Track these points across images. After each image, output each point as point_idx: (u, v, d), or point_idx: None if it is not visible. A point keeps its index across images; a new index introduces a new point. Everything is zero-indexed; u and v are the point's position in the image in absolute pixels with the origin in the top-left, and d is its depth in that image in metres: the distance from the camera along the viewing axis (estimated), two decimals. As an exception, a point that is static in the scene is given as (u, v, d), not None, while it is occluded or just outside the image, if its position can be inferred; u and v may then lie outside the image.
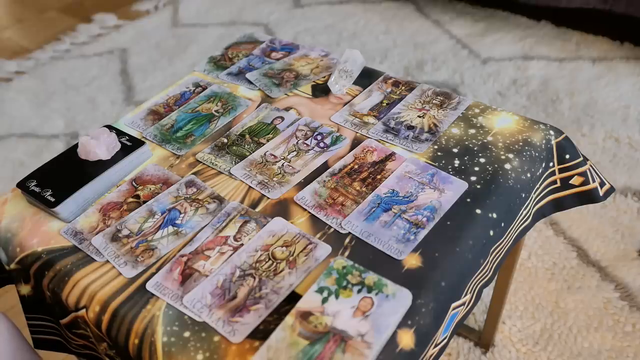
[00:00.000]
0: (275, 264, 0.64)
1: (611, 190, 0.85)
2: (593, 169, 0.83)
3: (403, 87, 0.89)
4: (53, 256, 0.68)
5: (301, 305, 0.59)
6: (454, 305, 0.64)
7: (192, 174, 0.77)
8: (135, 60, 2.12)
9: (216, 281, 0.63)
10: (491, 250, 0.70)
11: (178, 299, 0.62)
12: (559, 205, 0.82)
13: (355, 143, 0.80)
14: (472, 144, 0.78)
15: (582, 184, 0.81)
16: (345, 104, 0.87)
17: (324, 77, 0.93)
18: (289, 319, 0.58)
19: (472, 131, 0.80)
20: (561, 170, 0.80)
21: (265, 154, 0.79)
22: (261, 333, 0.58)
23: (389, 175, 0.74)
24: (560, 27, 2.06)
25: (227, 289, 0.62)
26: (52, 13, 2.51)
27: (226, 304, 0.61)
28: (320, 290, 0.60)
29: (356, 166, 0.76)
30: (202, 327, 0.59)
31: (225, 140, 0.82)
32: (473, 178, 0.73)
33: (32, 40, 2.32)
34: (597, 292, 1.21)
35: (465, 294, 0.67)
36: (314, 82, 0.92)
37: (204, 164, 0.79)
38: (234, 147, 0.80)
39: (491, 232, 0.69)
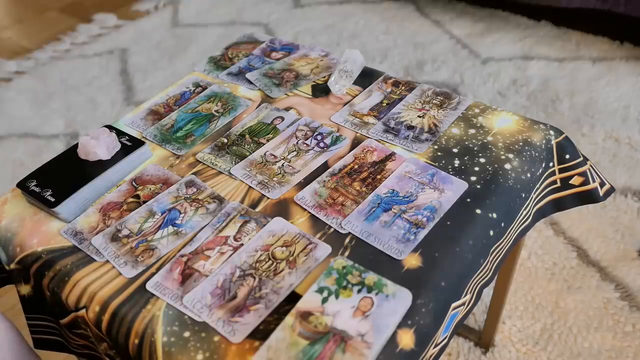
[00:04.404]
0: (275, 264, 0.64)
1: (611, 190, 0.85)
2: (593, 169, 0.83)
3: (403, 87, 0.89)
4: (53, 256, 0.68)
5: (301, 305, 0.59)
6: (454, 305, 0.64)
7: (192, 174, 0.77)
8: (135, 60, 2.12)
9: (216, 281, 0.63)
10: (491, 250, 0.70)
11: (178, 299, 0.62)
12: (559, 205, 0.82)
13: (355, 143, 0.80)
14: (472, 144, 0.78)
15: (582, 184, 0.81)
16: (345, 104, 0.87)
17: (324, 77, 0.93)
18: (289, 319, 0.58)
19: (472, 131, 0.80)
20: (561, 170, 0.80)
21: (265, 154, 0.79)
22: (261, 333, 0.58)
23: (389, 175, 0.74)
24: (560, 27, 2.06)
25: (227, 289, 0.62)
26: (52, 13, 2.51)
27: (226, 304, 0.61)
28: (320, 290, 0.60)
29: (356, 166, 0.76)
30: (202, 327, 0.59)
31: (225, 140, 0.82)
32: (473, 178, 0.73)
33: (32, 40, 2.32)
34: (597, 292, 1.21)
35: (465, 294, 0.67)
36: (314, 82, 0.92)
37: (204, 164, 0.79)
38: (234, 147, 0.80)
39: (491, 232, 0.69)
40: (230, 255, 0.66)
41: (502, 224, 0.71)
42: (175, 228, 0.70)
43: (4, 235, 0.72)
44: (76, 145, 0.78)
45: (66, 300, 0.66)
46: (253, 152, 0.79)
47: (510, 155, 0.76)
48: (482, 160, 0.75)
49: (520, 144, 0.78)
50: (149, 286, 0.64)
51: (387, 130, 0.81)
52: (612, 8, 1.88)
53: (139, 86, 1.98)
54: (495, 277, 0.85)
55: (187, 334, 0.59)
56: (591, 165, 0.82)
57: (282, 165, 0.77)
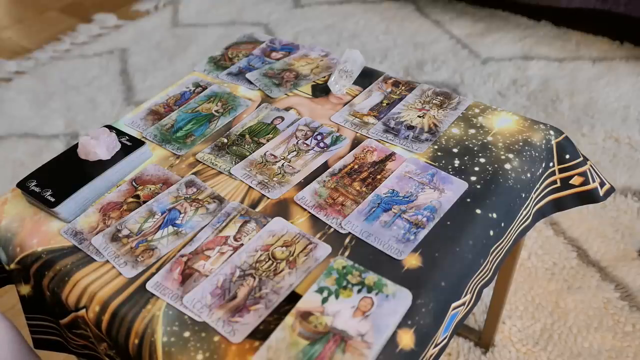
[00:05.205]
0: (275, 264, 0.64)
1: (611, 190, 0.85)
2: (593, 169, 0.83)
3: (403, 87, 0.89)
4: (53, 256, 0.68)
5: (301, 305, 0.59)
6: (454, 305, 0.64)
7: (192, 174, 0.77)
8: (135, 60, 2.12)
9: (216, 281, 0.63)
10: (491, 250, 0.70)
11: (178, 299, 0.62)
12: (559, 205, 0.82)
13: (355, 143, 0.80)
14: (472, 144, 0.78)
15: (582, 184, 0.81)
16: (345, 104, 0.87)
17: (324, 77, 0.93)
18: (289, 319, 0.58)
19: (472, 131, 0.80)
20: (561, 170, 0.80)
21: (265, 154, 0.79)
22: (261, 333, 0.58)
23: (389, 175, 0.74)
24: (560, 27, 2.06)
25: (227, 289, 0.62)
26: (52, 13, 2.51)
27: (226, 304, 0.61)
28: (320, 290, 0.60)
29: (356, 166, 0.76)
30: (202, 327, 0.59)
31: (225, 140, 0.82)
32: (473, 178, 0.73)
33: (32, 40, 2.32)
34: (597, 292, 1.21)
35: (465, 294, 0.67)
36: (314, 82, 0.92)
37: (204, 164, 0.79)
38: (234, 147, 0.80)
39: (491, 232, 0.69)
40: (230, 255, 0.66)
41: (502, 224, 0.71)
42: (175, 228, 0.70)
43: (4, 235, 0.72)
44: (76, 145, 0.78)
45: (66, 300, 0.66)
46: (253, 152, 0.79)
47: (510, 155, 0.76)
48: (482, 160, 0.75)
49: (520, 144, 0.78)
50: (149, 286, 0.64)
51: (387, 130, 0.81)
52: (612, 8, 1.88)
53: (139, 86, 1.98)
54: (495, 277, 0.85)
55: (187, 334, 0.59)
56: (591, 165, 0.82)
57: (282, 165, 0.77)
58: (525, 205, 0.76)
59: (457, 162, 0.75)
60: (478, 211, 0.69)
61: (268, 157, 0.78)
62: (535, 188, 0.77)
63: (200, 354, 0.57)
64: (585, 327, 1.15)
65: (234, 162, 0.78)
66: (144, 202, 0.73)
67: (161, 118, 0.87)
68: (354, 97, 0.88)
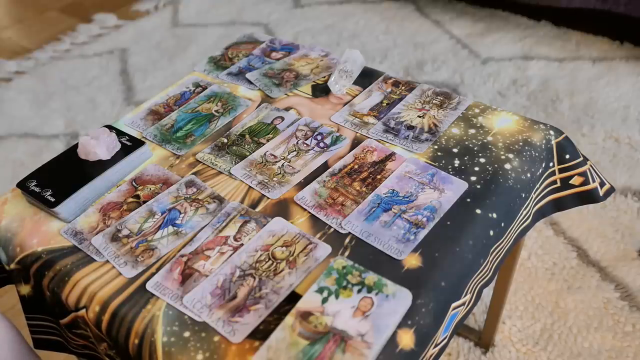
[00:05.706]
0: (275, 264, 0.64)
1: (611, 190, 0.85)
2: (593, 169, 0.83)
3: (403, 87, 0.89)
4: (53, 256, 0.68)
5: (301, 305, 0.59)
6: (454, 305, 0.64)
7: (192, 174, 0.77)
8: (135, 60, 2.12)
9: (216, 281, 0.63)
10: (491, 250, 0.70)
11: (178, 299, 0.62)
12: (559, 205, 0.82)
13: (355, 143, 0.80)
14: (472, 144, 0.78)
15: (582, 184, 0.81)
16: (345, 104, 0.87)
17: (324, 77, 0.93)
18: (289, 319, 0.58)
19: (472, 131, 0.80)
20: (561, 170, 0.80)
21: (265, 154, 0.79)
22: (261, 333, 0.58)
23: (389, 175, 0.74)
24: (560, 27, 2.06)
25: (227, 289, 0.62)
26: (52, 13, 2.51)
27: (226, 304, 0.61)
28: (320, 290, 0.60)
29: (356, 166, 0.76)
30: (202, 327, 0.59)
31: (225, 140, 0.82)
32: (473, 178, 0.73)
33: (32, 40, 2.32)
34: (597, 292, 1.21)
35: (465, 294, 0.67)
36: (314, 82, 0.92)
37: (204, 164, 0.79)
38: (234, 147, 0.80)
39: (491, 232, 0.69)
40: (230, 255, 0.66)
41: (502, 224, 0.71)
42: (175, 228, 0.70)
43: (4, 235, 0.72)
44: (76, 145, 0.78)
45: (66, 300, 0.66)
46: (253, 152, 0.79)
47: (510, 155, 0.76)
48: (482, 160, 0.75)
49: (520, 144, 0.78)
50: (149, 286, 0.64)
51: (387, 130, 0.81)
52: (612, 8, 1.88)
53: (139, 86, 1.98)
54: (495, 277, 0.85)
55: (187, 334, 0.59)
56: (591, 165, 0.82)
57: (282, 165, 0.77)
58: (525, 205, 0.76)
59: (457, 162, 0.75)
60: (478, 211, 0.69)
61: (268, 157, 0.78)
62: (535, 188, 0.77)
63: (200, 354, 0.57)
64: (585, 327, 1.15)
65: (234, 162, 0.78)
66: (144, 202, 0.73)
67: (161, 118, 0.87)
68: (354, 97, 0.88)
